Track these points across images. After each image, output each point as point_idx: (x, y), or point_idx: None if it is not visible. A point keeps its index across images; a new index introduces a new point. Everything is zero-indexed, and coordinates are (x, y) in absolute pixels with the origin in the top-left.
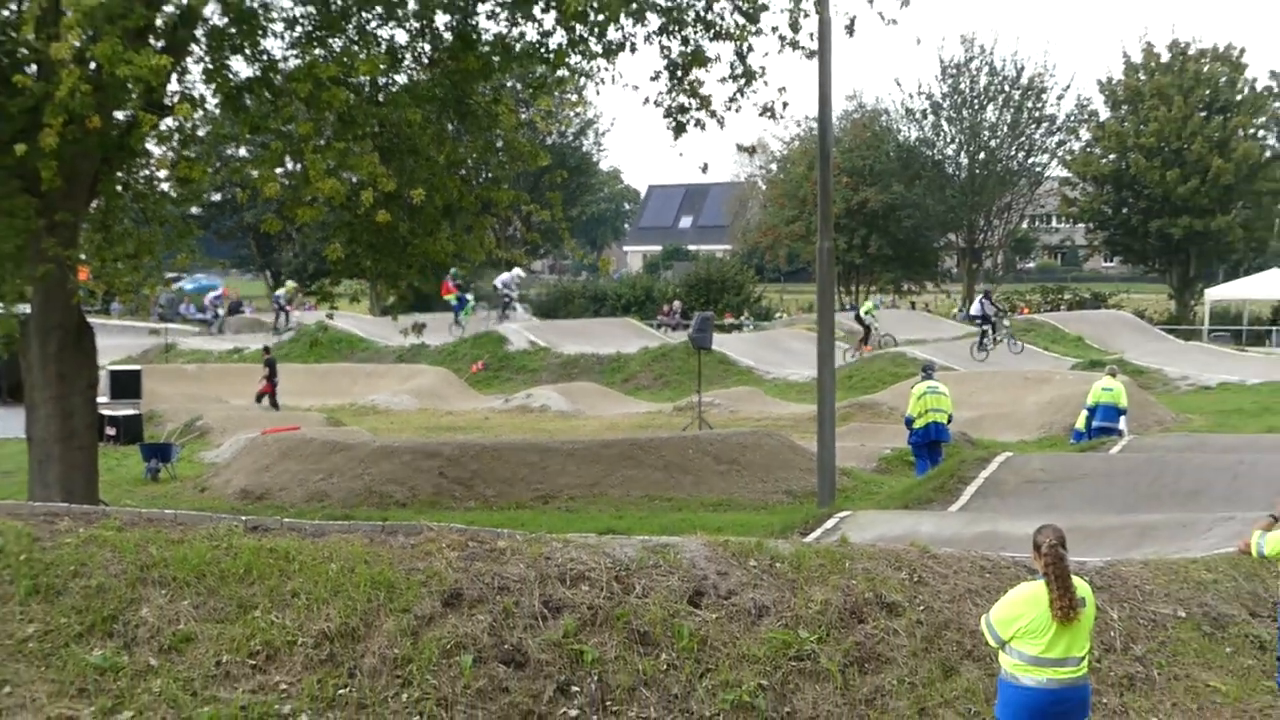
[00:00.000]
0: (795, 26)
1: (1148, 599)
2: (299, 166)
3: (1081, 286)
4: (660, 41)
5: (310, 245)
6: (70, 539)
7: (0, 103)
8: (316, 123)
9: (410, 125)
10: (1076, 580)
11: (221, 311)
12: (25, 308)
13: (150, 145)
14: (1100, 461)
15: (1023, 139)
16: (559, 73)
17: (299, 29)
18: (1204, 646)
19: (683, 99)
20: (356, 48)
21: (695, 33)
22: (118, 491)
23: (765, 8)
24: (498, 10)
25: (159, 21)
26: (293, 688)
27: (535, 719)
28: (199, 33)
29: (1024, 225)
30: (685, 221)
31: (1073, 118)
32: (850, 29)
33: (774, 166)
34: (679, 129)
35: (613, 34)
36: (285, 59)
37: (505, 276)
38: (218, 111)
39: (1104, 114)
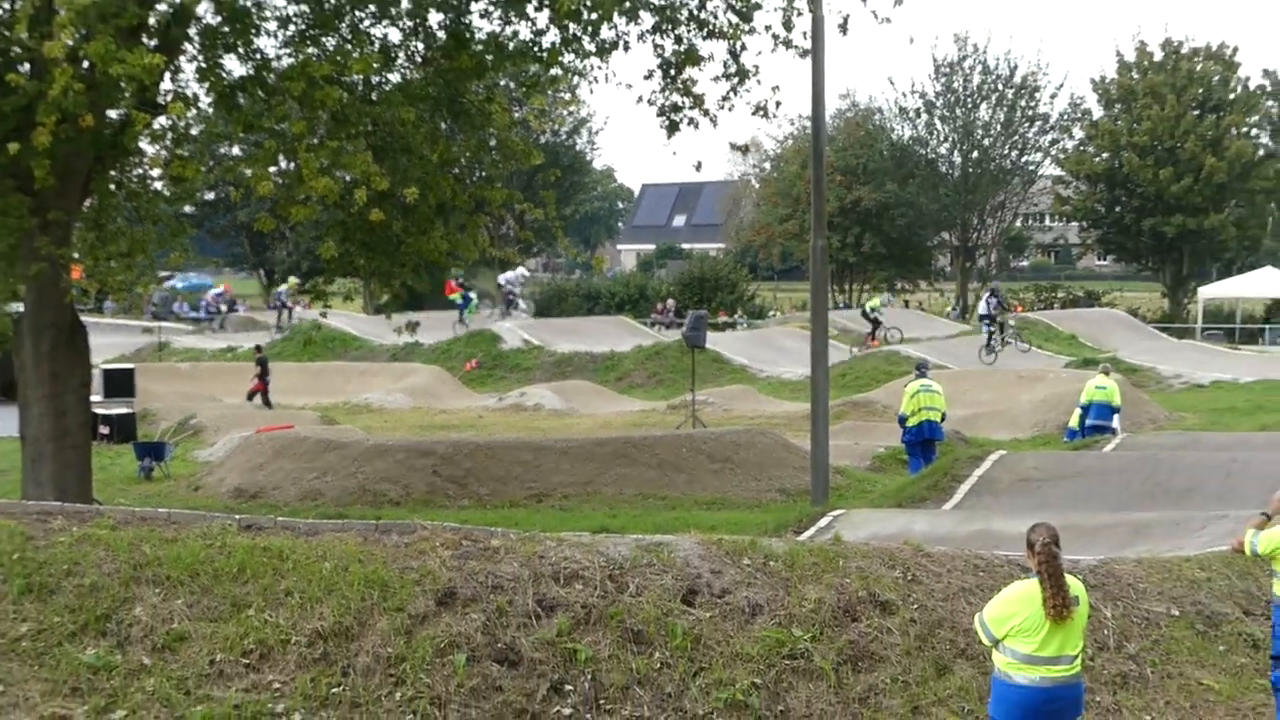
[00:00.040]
0: (788, 25)
1: (1141, 597)
2: (292, 165)
3: (1075, 285)
4: (653, 40)
5: (304, 244)
6: (63, 538)
7: None
8: (310, 121)
9: (404, 124)
10: (1070, 578)
11: (224, 308)
12: (18, 306)
13: (143, 144)
14: (1094, 460)
15: (1016, 137)
16: (552, 71)
17: (292, 28)
18: (1197, 645)
19: (676, 98)
20: (350, 46)
21: (688, 31)
22: (111, 490)
23: (758, 6)
24: (491, 9)
25: (152, 20)
26: (286, 686)
27: (529, 718)
28: (192, 31)
29: (1017, 224)
30: (679, 220)
31: (1066, 116)
32: (844, 28)
33: (767, 165)
34: (672, 128)
35: (606, 32)
36: (278, 58)
37: (509, 275)
38: (211, 110)
39: (1097, 112)
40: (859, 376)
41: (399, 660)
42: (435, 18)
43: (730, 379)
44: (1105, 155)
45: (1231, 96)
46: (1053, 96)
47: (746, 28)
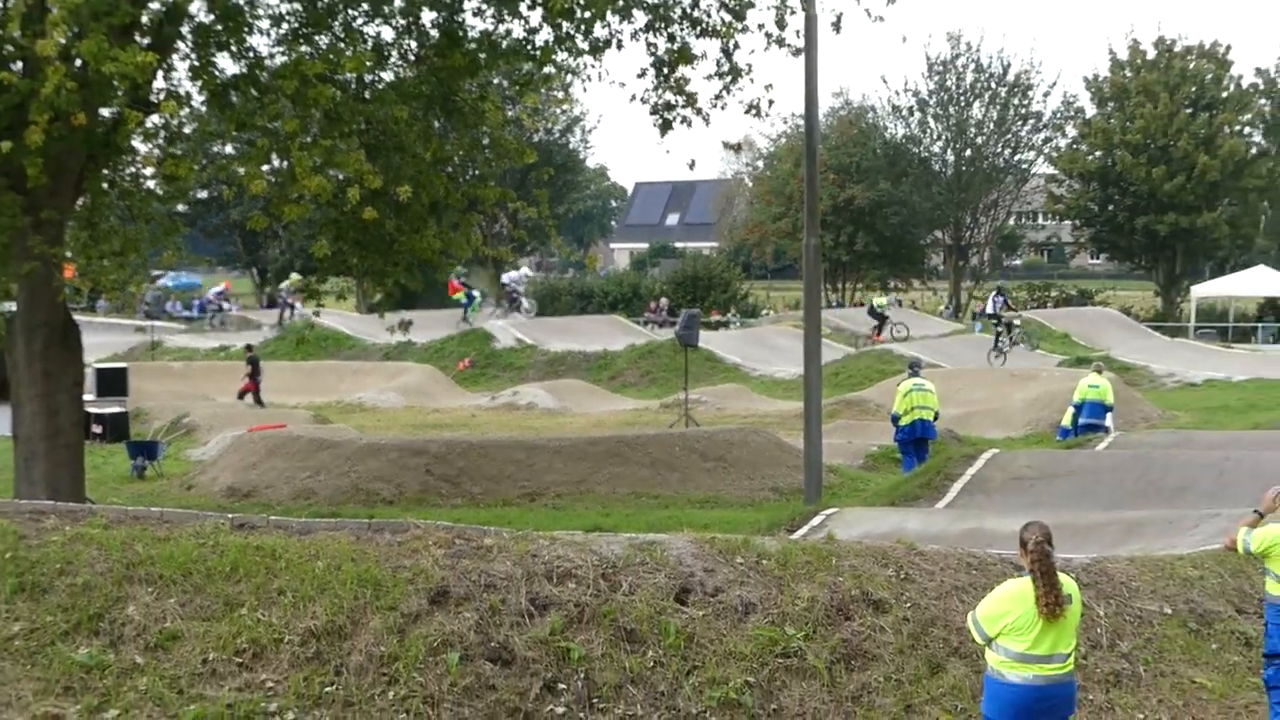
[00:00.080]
0: (781, 24)
1: (1134, 596)
2: (285, 164)
3: (1068, 283)
4: (646, 39)
5: (297, 242)
6: (56, 537)
7: None
8: (303, 120)
9: (397, 122)
10: (1063, 577)
11: (226, 305)
12: (11, 305)
13: (136, 142)
14: (1087, 458)
15: (1009, 136)
16: (545, 70)
17: (285, 26)
18: (1190, 643)
19: (669, 96)
20: (343, 45)
21: (681, 30)
22: (104, 489)
23: (751, 5)
24: (484, 7)
25: (145, 18)
26: (279, 686)
27: (522, 717)
28: (185, 30)
29: (1010, 222)
30: (672, 219)
31: (1059, 115)
32: (837, 26)
33: (760, 164)
34: (665, 126)
35: (599, 31)
36: (271, 56)
37: (513, 275)
38: (204, 109)
39: (1090, 111)
40: (852, 375)
41: (392, 659)
42: (428, 16)
43: (723, 378)
44: (1098, 154)
45: (1224, 95)
46: (1046, 95)
47: (739, 26)
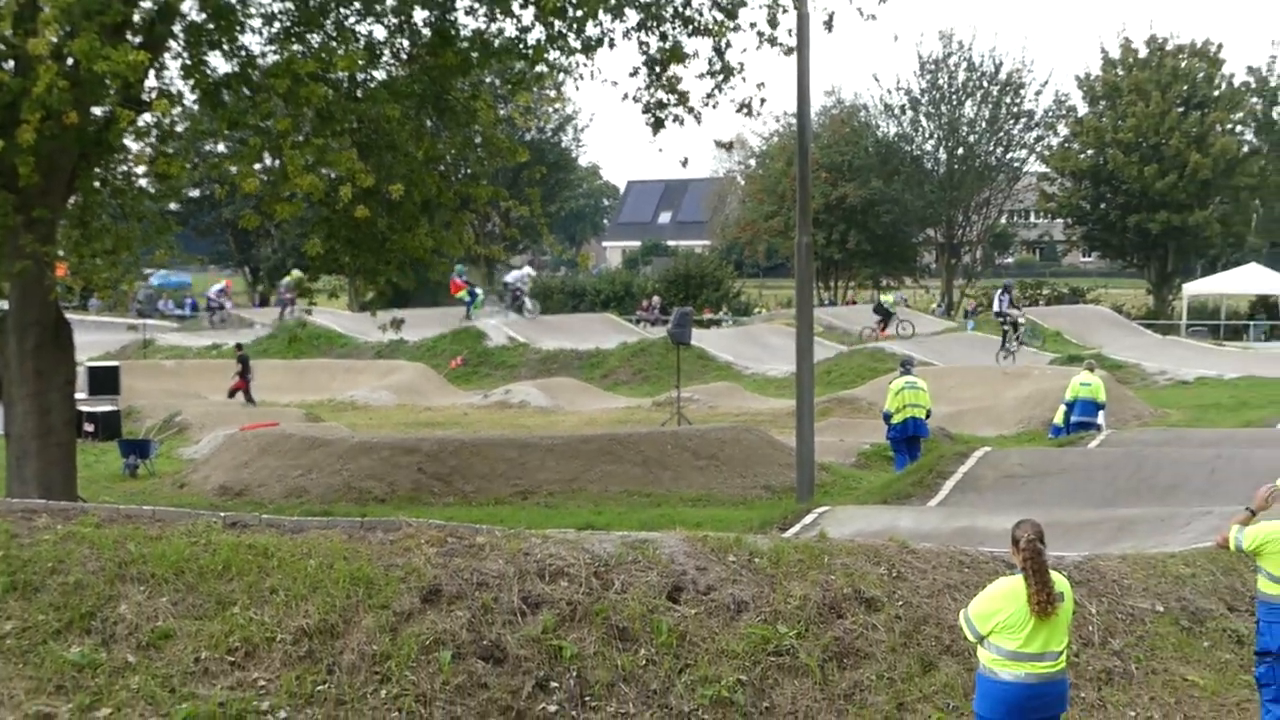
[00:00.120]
0: (773, 22)
1: (1126, 593)
2: (277, 162)
3: (1060, 281)
4: (639, 37)
5: (289, 241)
6: (48, 535)
7: None
8: (295, 118)
9: (389, 121)
10: (1055, 575)
11: (227, 303)
12: (2, 304)
13: (128, 141)
14: (1078, 456)
15: (1001, 134)
16: (537, 68)
17: (277, 25)
18: (1182, 641)
19: (661, 95)
20: (335, 43)
21: (673, 29)
22: (96, 488)
23: (743, 3)
24: (476, 6)
25: (137, 17)
26: (271, 684)
27: (514, 715)
28: (177, 28)
29: (1002, 220)
30: (664, 217)
31: (1051, 113)
32: (829, 25)
33: (753, 162)
34: (657, 125)
35: (591, 30)
36: (263, 55)
37: (516, 274)
38: (196, 107)
39: (1082, 109)
40: (844, 373)
41: (384, 657)
42: (420, 14)
43: (715, 376)
44: (1090, 152)
45: (1216, 93)
46: (1038, 93)
47: (731, 25)
